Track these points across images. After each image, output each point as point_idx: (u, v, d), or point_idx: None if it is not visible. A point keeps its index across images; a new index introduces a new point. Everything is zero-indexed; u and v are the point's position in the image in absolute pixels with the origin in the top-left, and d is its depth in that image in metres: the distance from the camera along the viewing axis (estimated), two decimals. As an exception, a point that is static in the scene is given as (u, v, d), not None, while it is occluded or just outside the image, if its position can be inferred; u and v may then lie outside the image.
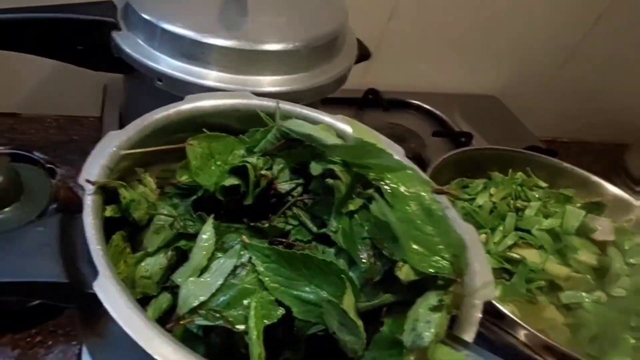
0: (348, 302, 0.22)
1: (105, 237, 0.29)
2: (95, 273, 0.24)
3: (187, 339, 0.25)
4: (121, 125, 0.58)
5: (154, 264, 0.28)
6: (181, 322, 0.24)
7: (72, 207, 0.47)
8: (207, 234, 0.26)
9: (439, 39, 0.72)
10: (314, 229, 0.28)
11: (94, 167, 0.30)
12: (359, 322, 0.22)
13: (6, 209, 0.43)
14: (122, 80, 0.53)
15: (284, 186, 0.30)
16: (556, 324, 0.41)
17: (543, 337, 0.35)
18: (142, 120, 0.34)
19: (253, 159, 0.30)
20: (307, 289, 0.24)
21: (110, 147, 0.31)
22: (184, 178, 0.30)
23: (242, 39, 0.40)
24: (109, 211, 0.28)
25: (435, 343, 0.23)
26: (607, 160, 0.85)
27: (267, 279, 0.25)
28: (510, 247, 0.45)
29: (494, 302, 0.38)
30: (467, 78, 0.78)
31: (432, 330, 0.23)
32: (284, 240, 0.27)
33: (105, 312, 0.23)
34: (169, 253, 0.28)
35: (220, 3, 0.45)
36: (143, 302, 0.28)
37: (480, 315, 0.26)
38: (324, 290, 0.23)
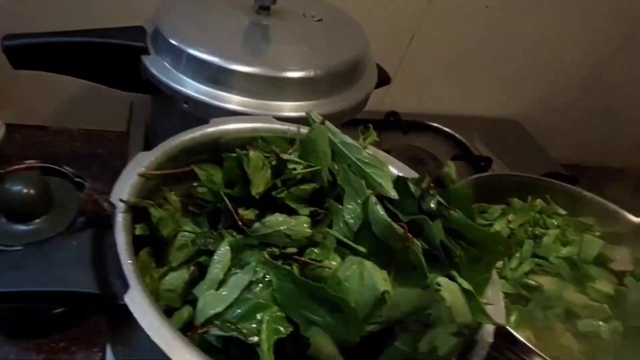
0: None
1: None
2: (125, 286, 0.27)
3: (207, 349, 0.28)
4: (146, 141, 0.63)
5: (177, 278, 0.31)
6: (199, 331, 0.27)
7: (98, 221, 0.51)
8: (222, 250, 0.29)
9: (460, 62, 0.75)
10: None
11: (125, 186, 0.33)
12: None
13: (36, 220, 0.47)
14: (149, 99, 0.56)
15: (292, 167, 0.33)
16: (572, 351, 0.42)
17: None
18: (169, 142, 0.37)
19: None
20: (317, 313, 0.26)
21: (140, 167, 0.35)
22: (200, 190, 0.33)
23: (265, 65, 0.44)
24: (139, 229, 0.31)
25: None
26: (633, 186, 0.85)
27: (280, 296, 0.27)
28: (527, 274, 0.46)
29: (509, 328, 0.39)
30: (488, 101, 0.80)
31: (449, 347, 0.26)
32: (300, 258, 0.29)
33: (133, 323, 0.25)
34: (191, 268, 0.31)
35: (244, 31, 0.48)
36: (166, 314, 0.31)
37: (491, 341, 0.27)
38: (331, 319, 0.26)
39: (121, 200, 0.31)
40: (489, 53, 0.74)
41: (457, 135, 0.73)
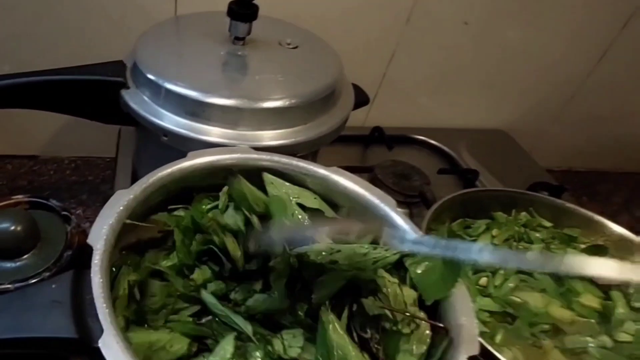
0: None
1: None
2: (101, 330, 0.28)
3: None
4: (133, 168, 0.64)
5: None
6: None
7: (87, 251, 0.52)
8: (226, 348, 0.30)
9: (443, 76, 0.76)
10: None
11: (102, 227, 0.34)
12: None
13: (24, 257, 0.48)
14: (133, 130, 0.58)
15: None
16: (561, 368, 0.43)
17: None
18: (147, 179, 0.38)
19: None
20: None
21: (118, 207, 0.36)
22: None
23: (242, 97, 0.44)
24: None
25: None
26: (626, 189, 0.86)
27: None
28: (512, 290, 0.47)
29: (492, 350, 0.40)
30: (473, 113, 0.81)
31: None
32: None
33: (109, 366, 0.26)
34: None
35: (221, 62, 0.49)
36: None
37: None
38: None
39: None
40: (471, 65, 0.75)
41: (443, 147, 0.74)
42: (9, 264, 0.47)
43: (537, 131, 0.84)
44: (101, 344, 0.27)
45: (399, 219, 0.37)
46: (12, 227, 0.47)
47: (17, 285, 0.44)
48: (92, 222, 0.68)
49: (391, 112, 0.76)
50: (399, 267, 0.36)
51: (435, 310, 0.33)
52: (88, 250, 0.53)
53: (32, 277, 0.45)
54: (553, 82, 0.79)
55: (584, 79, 0.80)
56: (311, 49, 0.53)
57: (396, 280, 0.34)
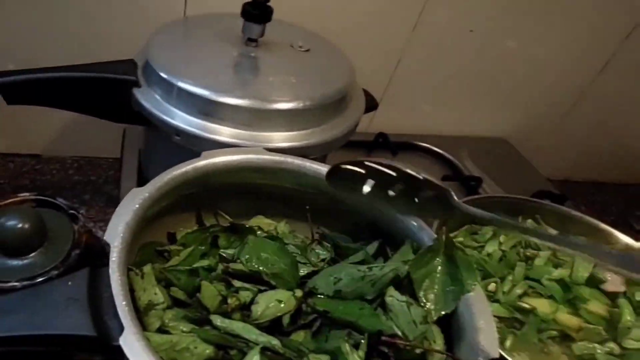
0: None
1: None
2: (121, 327, 0.27)
3: None
4: (139, 168, 0.63)
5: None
6: None
7: (94, 252, 0.51)
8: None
9: (448, 84, 0.76)
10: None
11: (119, 225, 0.33)
12: None
13: (31, 255, 0.47)
14: (142, 129, 0.57)
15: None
16: (569, 374, 0.43)
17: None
18: (162, 177, 0.38)
19: None
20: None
21: (133, 204, 0.35)
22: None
23: (254, 97, 0.44)
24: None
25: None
26: (623, 200, 0.86)
27: None
28: (520, 297, 0.47)
29: (503, 353, 0.40)
30: (476, 121, 0.82)
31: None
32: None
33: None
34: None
35: (233, 63, 0.49)
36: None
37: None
38: None
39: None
40: (475, 74, 0.76)
41: (446, 154, 0.75)
42: (15, 262, 0.46)
43: (538, 141, 0.85)
44: (122, 341, 0.26)
45: (413, 223, 0.37)
46: (20, 225, 0.46)
47: (24, 283, 0.44)
48: (95, 222, 0.68)
49: (394, 119, 0.77)
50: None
51: (452, 314, 0.33)
52: (96, 250, 0.53)
53: (40, 276, 0.44)
54: (554, 92, 0.80)
55: (584, 90, 0.81)
56: (322, 52, 0.53)
57: (404, 299, 0.34)
